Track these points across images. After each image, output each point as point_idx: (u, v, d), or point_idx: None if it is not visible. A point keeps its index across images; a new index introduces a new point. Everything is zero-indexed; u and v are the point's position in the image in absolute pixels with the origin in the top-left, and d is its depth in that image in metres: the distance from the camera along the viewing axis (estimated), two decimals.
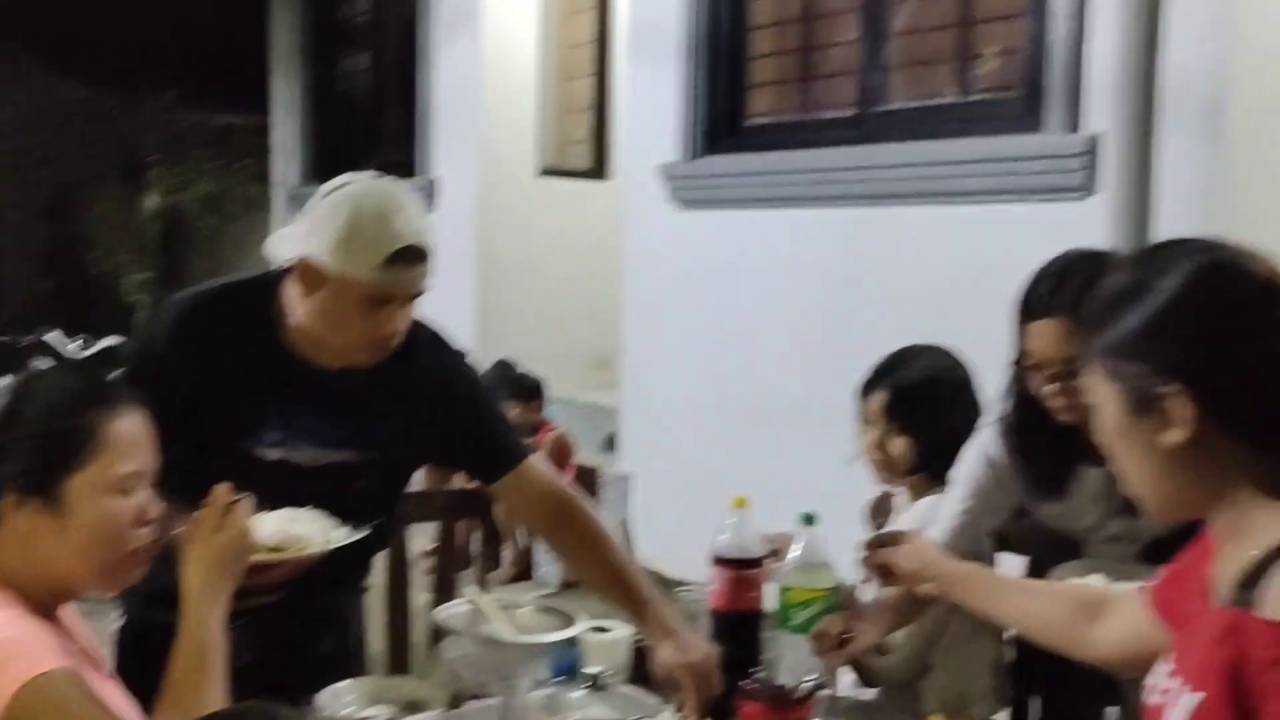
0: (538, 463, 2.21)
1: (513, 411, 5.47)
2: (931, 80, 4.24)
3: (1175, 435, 1.22)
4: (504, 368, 5.83)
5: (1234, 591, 1.20)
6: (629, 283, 5.36)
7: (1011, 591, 1.79)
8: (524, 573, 5.25)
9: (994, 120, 3.89)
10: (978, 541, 2.18)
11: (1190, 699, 1.22)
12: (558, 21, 6.80)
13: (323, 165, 7.74)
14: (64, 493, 1.47)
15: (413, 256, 1.87)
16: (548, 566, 5.19)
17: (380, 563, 2.54)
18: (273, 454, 1.99)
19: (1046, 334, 1.96)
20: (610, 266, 5.63)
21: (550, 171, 6.72)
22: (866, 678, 2.25)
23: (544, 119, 6.75)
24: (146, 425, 1.56)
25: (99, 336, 6.00)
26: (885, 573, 1.93)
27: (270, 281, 2.01)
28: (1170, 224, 3.38)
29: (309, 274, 1.90)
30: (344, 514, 1.94)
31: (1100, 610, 1.60)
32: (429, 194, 6.61)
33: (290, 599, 1.87)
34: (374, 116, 7.44)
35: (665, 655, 1.94)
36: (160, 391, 1.75)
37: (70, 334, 6.05)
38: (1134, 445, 1.28)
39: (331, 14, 7.75)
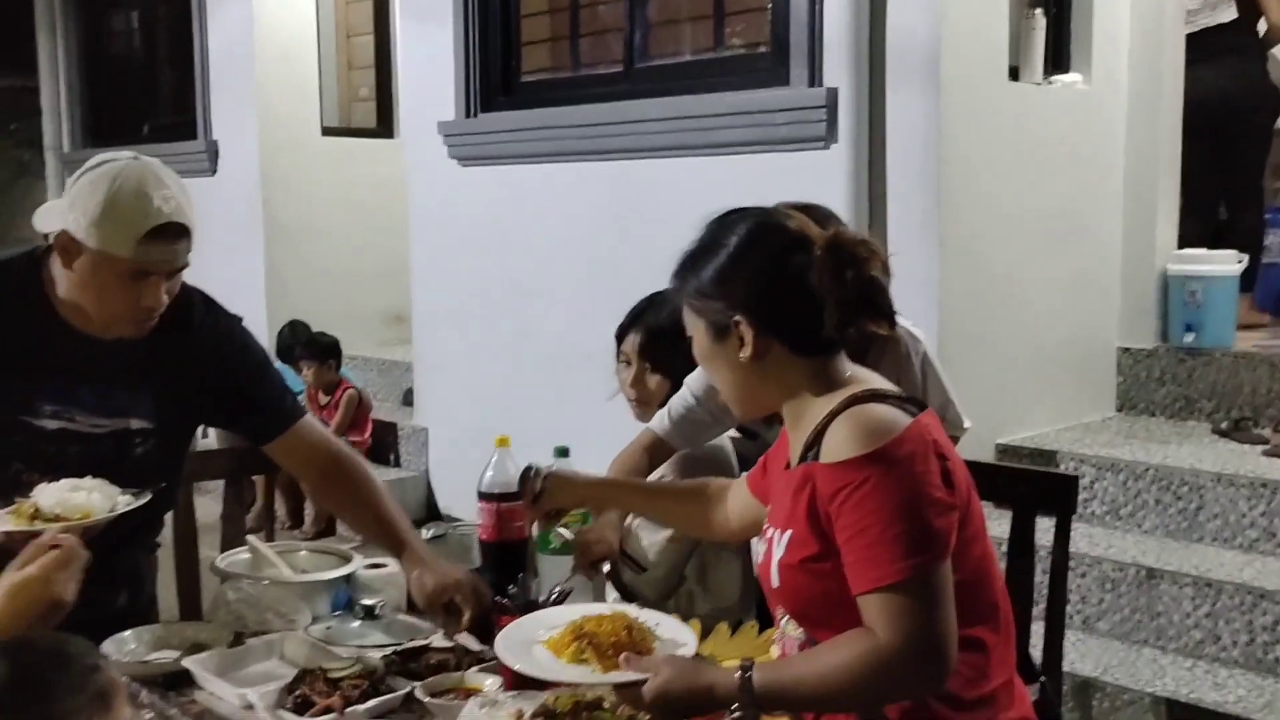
0: (310, 422, 2.33)
1: (308, 371, 5.53)
2: (690, 37, 4.48)
3: (745, 353, 1.63)
4: (297, 328, 5.87)
5: (801, 453, 1.64)
6: (415, 239, 5.46)
7: (651, 497, 2.16)
8: (328, 529, 5.34)
9: (745, 75, 4.15)
10: (694, 440, 2.49)
11: (783, 537, 1.64)
12: None
13: (98, 129, 7.51)
14: None
15: (171, 233, 1.95)
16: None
17: (169, 521, 2.65)
18: (53, 424, 2.07)
19: None
20: (400, 224, 5.71)
21: (333, 130, 6.71)
22: (626, 594, 2.47)
23: (325, 77, 6.72)
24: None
25: None
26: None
27: (35, 256, 2.08)
28: (898, 166, 3.72)
29: (68, 247, 1.97)
30: (128, 478, 2.02)
31: (719, 499, 2.01)
32: (210, 156, 6.52)
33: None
34: (149, 78, 7.26)
35: (426, 582, 2.10)
36: None
37: None
38: (719, 364, 1.68)
39: None
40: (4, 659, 1.28)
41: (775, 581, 1.66)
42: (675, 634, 1.75)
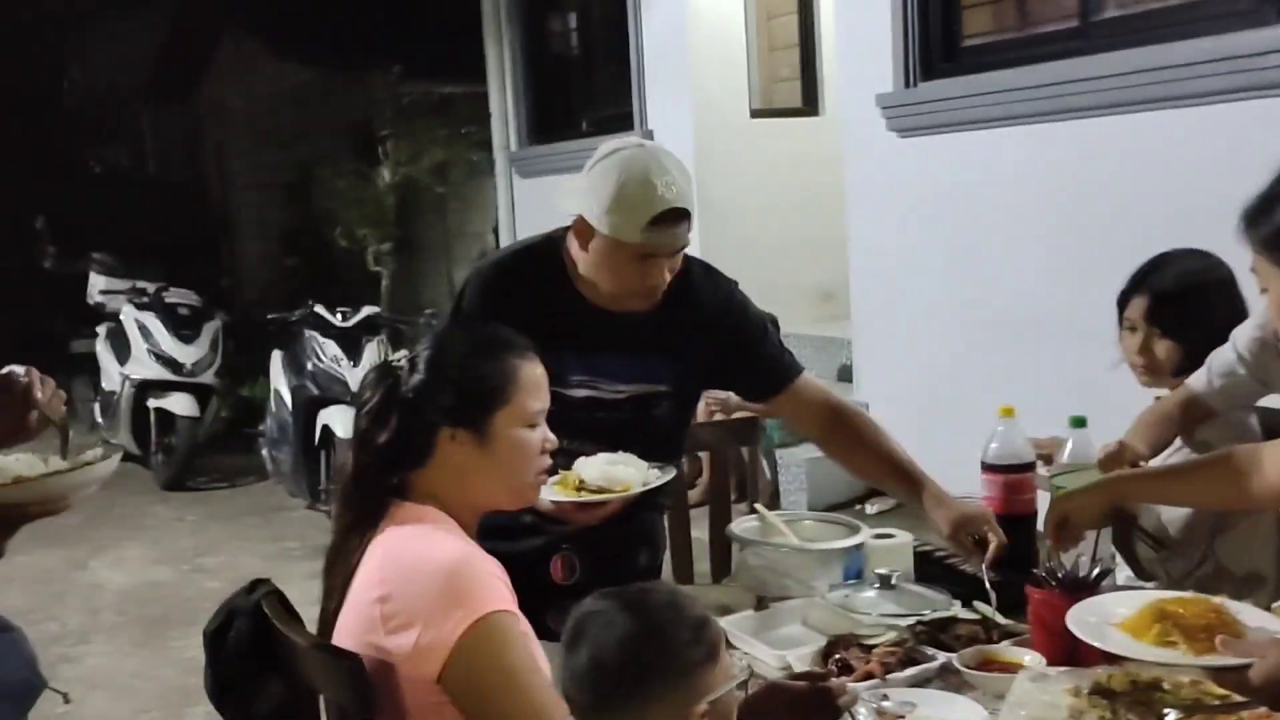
0: (809, 378, 2.41)
1: None
2: None
3: None
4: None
5: None
6: (852, 215, 5.45)
7: (1171, 482, 1.97)
8: (772, 504, 5.47)
9: (1222, 18, 3.81)
10: (1234, 406, 2.30)
11: None
12: None
13: (541, 126, 8.05)
14: (491, 427, 1.71)
15: (674, 217, 2.09)
16: (795, 495, 5.40)
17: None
18: (580, 393, 2.24)
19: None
20: (829, 200, 5.72)
21: (761, 112, 6.83)
22: (1141, 573, 2.34)
23: (751, 61, 6.85)
24: (544, 371, 1.80)
25: (356, 308, 6.42)
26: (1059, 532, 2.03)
27: (555, 240, 2.27)
28: None
29: (584, 230, 2.15)
30: (647, 438, 2.20)
31: (1251, 467, 1.79)
32: None
33: (609, 520, 2.11)
34: (586, 74, 7.69)
35: (952, 516, 2.13)
36: None
37: (329, 307, 6.50)
38: None
39: None
40: (632, 611, 1.39)
41: None
42: (1261, 620, 1.61)
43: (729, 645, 2.01)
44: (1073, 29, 4.38)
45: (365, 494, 1.70)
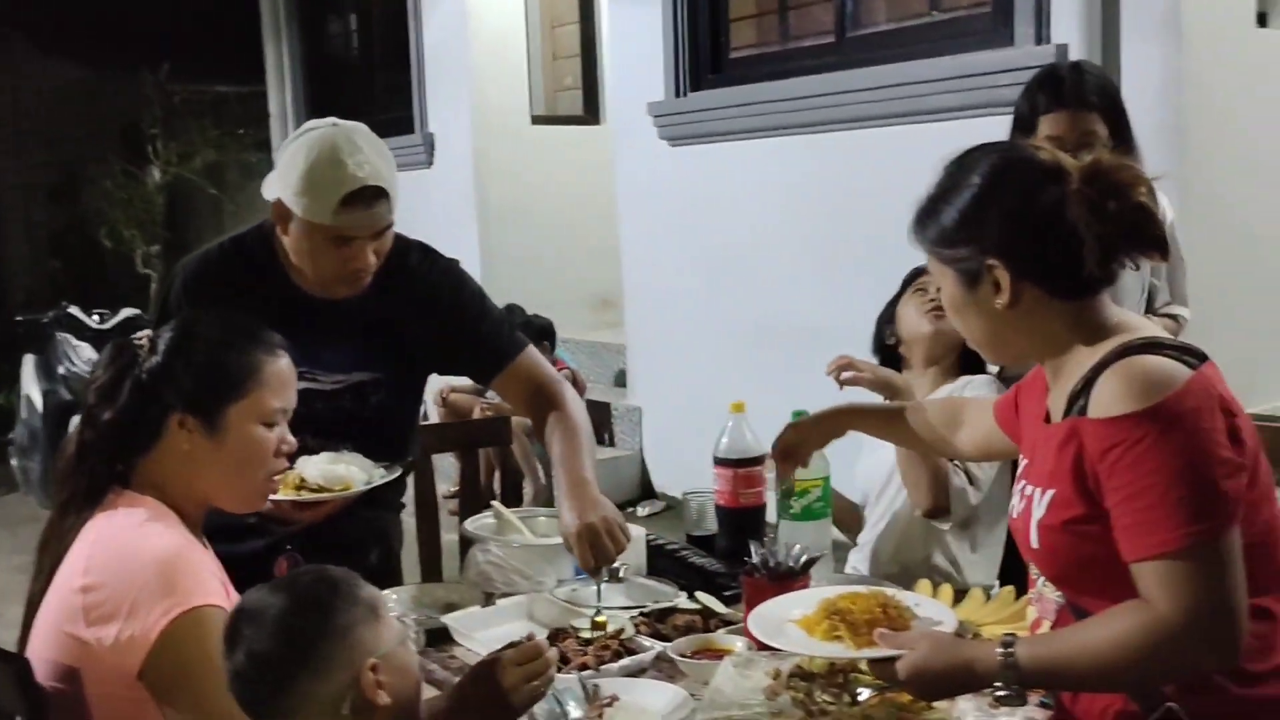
0: (531, 353, 2.30)
1: None
2: (904, 2, 4.37)
3: (1001, 300, 1.50)
4: (512, 312, 6.00)
5: (1065, 406, 1.50)
6: (624, 222, 5.51)
7: (893, 419, 2.04)
8: (546, 504, 5.46)
9: (966, 37, 4.02)
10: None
11: (1044, 496, 1.51)
12: None
13: None
14: (224, 418, 1.64)
15: (368, 196, 1.97)
16: None
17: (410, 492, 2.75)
18: (299, 385, 2.16)
19: (1061, 119, 2.51)
20: (608, 208, 5.78)
21: (542, 119, 6.84)
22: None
23: (533, 68, 6.86)
24: (293, 370, 1.74)
25: (115, 310, 6.15)
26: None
27: (265, 230, 2.16)
28: (1137, 124, 3.51)
29: (282, 214, 2.05)
30: (368, 428, 2.14)
31: (959, 419, 1.93)
32: (427, 149, 6.74)
33: (339, 518, 2.06)
34: (367, 76, 7.56)
35: (567, 519, 1.98)
36: None
37: (87, 309, 6.21)
38: (973, 313, 1.55)
39: None
40: (282, 592, 1.35)
41: (1034, 542, 1.55)
42: (934, 613, 1.68)
43: (451, 641, 2.00)
44: (829, 44, 4.54)
45: (86, 473, 1.64)
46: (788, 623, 1.67)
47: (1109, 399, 1.42)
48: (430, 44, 6.69)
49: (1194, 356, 1.46)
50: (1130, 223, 1.46)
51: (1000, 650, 1.43)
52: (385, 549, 2.36)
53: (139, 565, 1.52)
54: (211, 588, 1.55)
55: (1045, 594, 1.70)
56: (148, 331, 1.72)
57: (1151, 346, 1.46)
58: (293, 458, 1.98)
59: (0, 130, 10.87)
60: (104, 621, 1.49)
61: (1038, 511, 1.53)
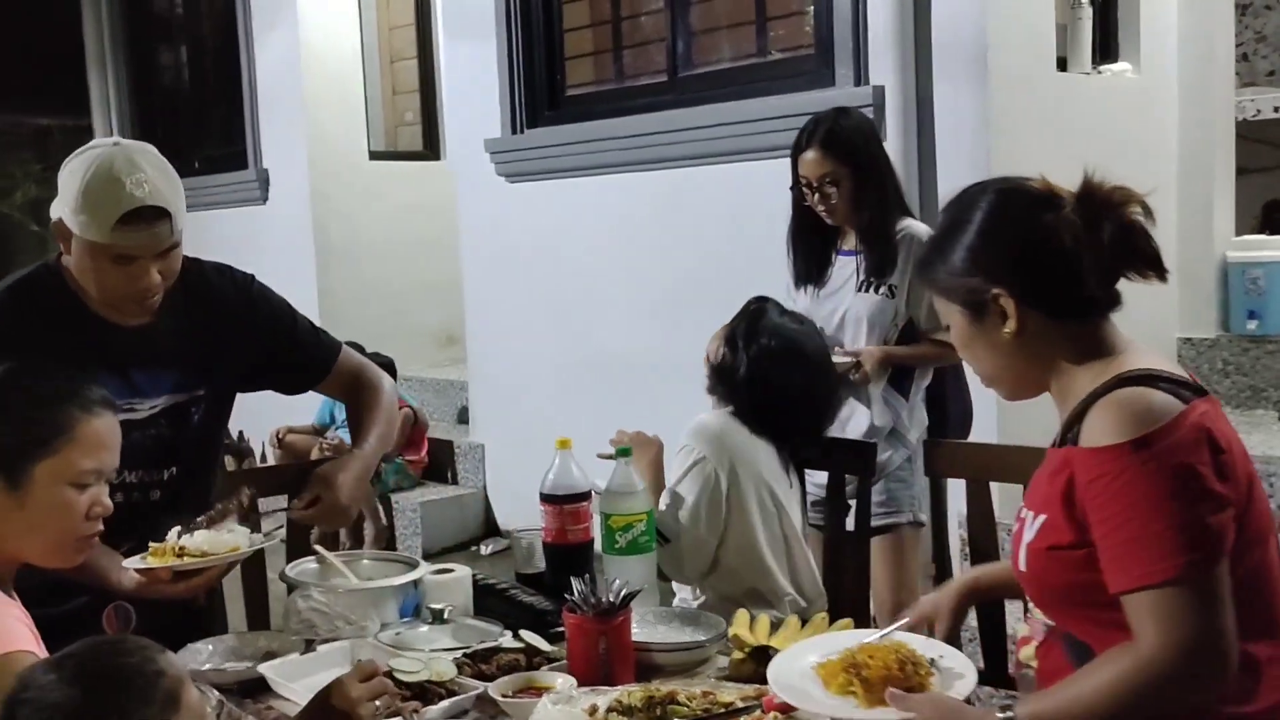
0: (348, 352, 2.40)
1: None
2: (733, 44, 4.49)
3: (1009, 327, 1.55)
4: (352, 348, 5.91)
5: (1061, 434, 1.55)
6: (466, 258, 5.50)
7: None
8: (388, 548, 5.37)
9: (791, 78, 4.15)
10: None
11: (1036, 520, 1.56)
12: (377, 3, 6.85)
13: None
14: (28, 476, 1.58)
15: (147, 216, 1.93)
16: (411, 539, 5.33)
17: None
18: None
19: (809, 161, 2.90)
20: (449, 245, 5.75)
21: (381, 155, 6.78)
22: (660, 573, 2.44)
23: (371, 103, 6.79)
24: (116, 428, 1.67)
25: None
26: None
27: (53, 266, 2.09)
28: (948, 162, 3.69)
29: (63, 234, 2.00)
30: (186, 449, 2.13)
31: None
32: (262, 185, 6.61)
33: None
34: (199, 109, 7.37)
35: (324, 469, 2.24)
36: None
37: None
38: (981, 347, 1.60)
39: (145, 5, 7.63)
40: (73, 684, 1.26)
41: (1023, 564, 1.59)
42: (956, 665, 1.68)
43: (270, 692, 1.95)
44: (662, 83, 4.63)
45: None
46: (809, 668, 1.67)
47: (1099, 429, 1.45)
48: (263, 76, 6.57)
49: (1190, 390, 1.48)
50: (1124, 241, 1.50)
51: (1000, 715, 1.44)
52: (209, 592, 2.30)
53: None
54: (18, 634, 1.50)
55: (1034, 614, 1.73)
56: None
57: (1148, 379, 1.48)
58: (153, 526, 1.94)
59: None
60: None
61: (1028, 534, 1.57)
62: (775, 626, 2.00)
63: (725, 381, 2.51)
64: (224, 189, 6.78)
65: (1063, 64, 3.89)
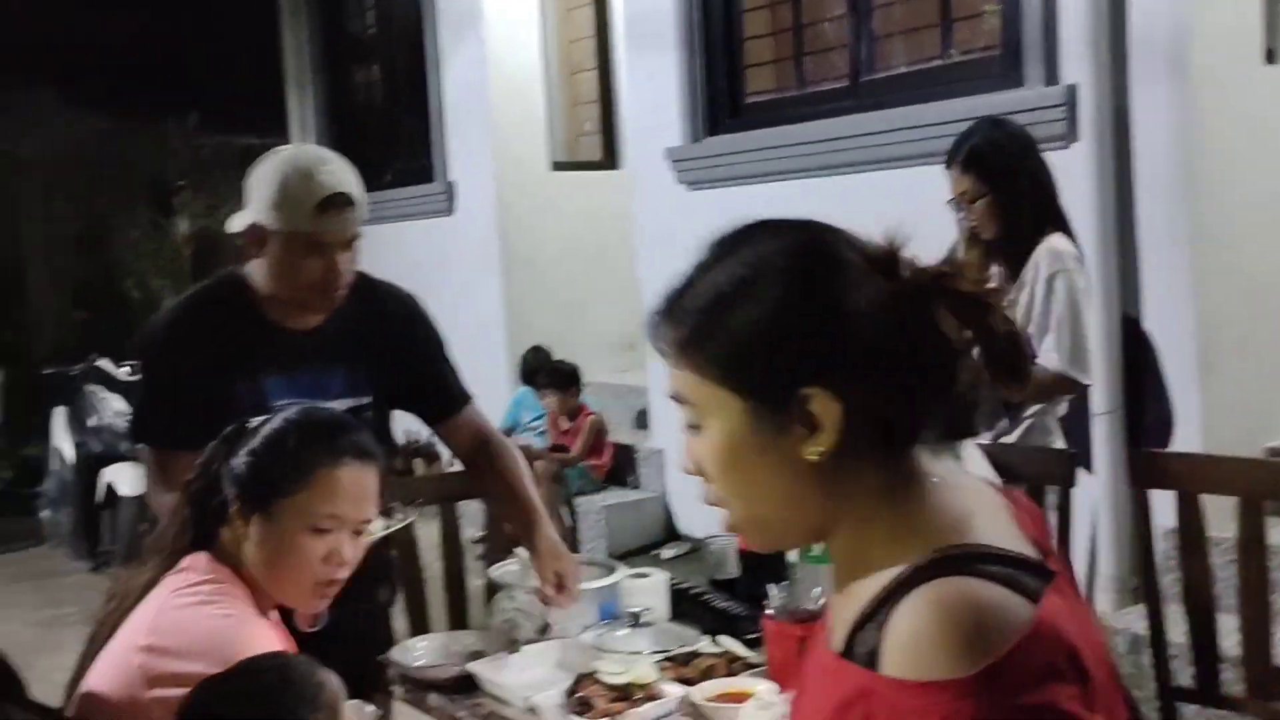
0: (474, 407, 2.45)
1: (551, 398, 5.71)
2: (917, 46, 4.43)
3: (823, 441, 1.01)
4: (540, 352, 6.06)
5: (850, 629, 1.01)
6: (642, 265, 5.57)
7: None
8: (571, 550, 5.48)
9: (978, 79, 4.07)
10: None
11: None
12: (557, 18, 7.00)
13: None
14: (275, 512, 1.65)
15: (340, 203, 2.10)
16: (594, 542, 5.44)
17: (434, 540, 2.80)
18: None
19: (951, 178, 2.96)
20: (628, 252, 5.84)
21: (562, 165, 6.92)
22: None
23: (552, 114, 6.95)
24: (367, 481, 1.71)
25: None
26: None
27: (231, 275, 2.25)
28: (1148, 163, 3.57)
29: (255, 236, 2.13)
30: None
31: None
32: (449, 197, 6.83)
33: None
34: (389, 126, 7.67)
35: (543, 553, 2.24)
36: (175, 403, 2.10)
37: (115, 361, 6.28)
38: (762, 465, 1.04)
39: (340, 28, 7.99)
40: (237, 690, 1.38)
41: None
42: None
43: (478, 689, 2.03)
44: (844, 88, 4.61)
45: (173, 533, 1.69)
46: None
47: (913, 650, 0.94)
48: (450, 93, 6.79)
49: (1034, 572, 0.99)
50: (1000, 350, 1.06)
51: None
52: (389, 586, 2.42)
53: (199, 635, 1.55)
54: (270, 640, 1.58)
55: None
56: (264, 416, 1.75)
57: (975, 560, 0.97)
58: None
59: (28, 182, 11.07)
60: (161, 685, 1.52)
61: None
62: None
63: None
64: (413, 201, 7.04)
65: (1271, 56, 3.71)
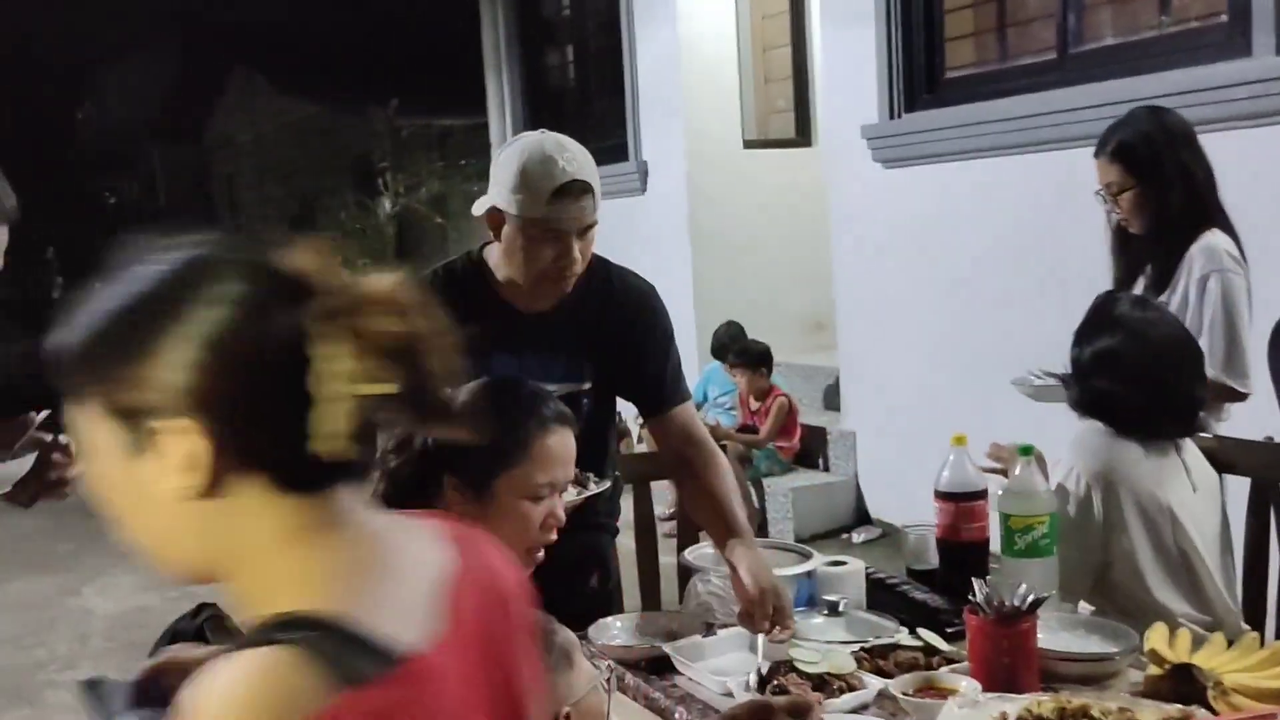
0: (689, 407, 2.40)
1: (741, 378, 5.71)
2: (1130, 15, 4.22)
3: (187, 480, 0.91)
4: (732, 327, 6.04)
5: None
6: (837, 244, 5.49)
7: None
8: (759, 532, 5.48)
9: (1198, 49, 3.85)
10: None
11: None
12: None
13: None
14: (490, 489, 1.71)
15: (576, 190, 2.11)
16: (781, 524, 5.41)
17: (628, 518, 2.82)
18: None
19: (1098, 167, 2.89)
20: (820, 231, 5.76)
21: (754, 143, 6.88)
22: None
23: (745, 92, 6.91)
24: (570, 444, 1.77)
25: None
26: None
27: (472, 254, 2.32)
28: None
29: (495, 220, 2.18)
30: (580, 438, 2.21)
31: None
32: (641, 176, 6.87)
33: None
34: (583, 106, 7.77)
35: (747, 581, 2.05)
36: None
37: None
38: (125, 494, 0.95)
39: (536, 12, 8.12)
40: None
41: None
42: None
43: (673, 670, 2.04)
44: (1051, 61, 4.42)
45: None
46: None
47: (190, 715, 0.85)
48: (644, 73, 6.82)
49: (374, 659, 0.87)
50: (408, 384, 0.92)
51: None
52: (604, 572, 2.42)
53: None
54: None
55: None
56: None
57: (302, 628, 0.87)
58: None
59: (242, 165, 11.70)
60: None
61: None
62: (1198, 643, 1.88)
63: (1077, 381, 2.35)
64: (607, 180, 6.98)
65: None
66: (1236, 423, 2.84)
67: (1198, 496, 2.32)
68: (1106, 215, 2.93)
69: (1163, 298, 2.76)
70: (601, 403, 2.34)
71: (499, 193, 2.15)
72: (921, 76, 4.95)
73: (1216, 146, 3.73)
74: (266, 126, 11.24)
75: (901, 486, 4.71)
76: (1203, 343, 2.58)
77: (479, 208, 2.22)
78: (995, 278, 4.60)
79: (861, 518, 5.43)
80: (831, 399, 5.90)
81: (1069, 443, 2.33)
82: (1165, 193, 2.78)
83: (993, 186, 4.55)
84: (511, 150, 2.16)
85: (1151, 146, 2.83)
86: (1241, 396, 2.73)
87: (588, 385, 2.29)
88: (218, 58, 11.19)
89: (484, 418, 1.73)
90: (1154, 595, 2.24)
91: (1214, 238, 2.75)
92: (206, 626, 1.72)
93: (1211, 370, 2.59)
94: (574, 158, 2.13)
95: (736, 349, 5.77)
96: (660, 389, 2.35)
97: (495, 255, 2.24)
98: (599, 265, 2.29)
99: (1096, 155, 2.89)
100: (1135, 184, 2.80)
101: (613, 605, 2.39)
